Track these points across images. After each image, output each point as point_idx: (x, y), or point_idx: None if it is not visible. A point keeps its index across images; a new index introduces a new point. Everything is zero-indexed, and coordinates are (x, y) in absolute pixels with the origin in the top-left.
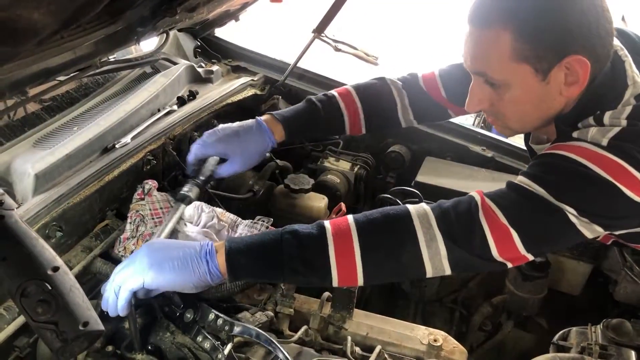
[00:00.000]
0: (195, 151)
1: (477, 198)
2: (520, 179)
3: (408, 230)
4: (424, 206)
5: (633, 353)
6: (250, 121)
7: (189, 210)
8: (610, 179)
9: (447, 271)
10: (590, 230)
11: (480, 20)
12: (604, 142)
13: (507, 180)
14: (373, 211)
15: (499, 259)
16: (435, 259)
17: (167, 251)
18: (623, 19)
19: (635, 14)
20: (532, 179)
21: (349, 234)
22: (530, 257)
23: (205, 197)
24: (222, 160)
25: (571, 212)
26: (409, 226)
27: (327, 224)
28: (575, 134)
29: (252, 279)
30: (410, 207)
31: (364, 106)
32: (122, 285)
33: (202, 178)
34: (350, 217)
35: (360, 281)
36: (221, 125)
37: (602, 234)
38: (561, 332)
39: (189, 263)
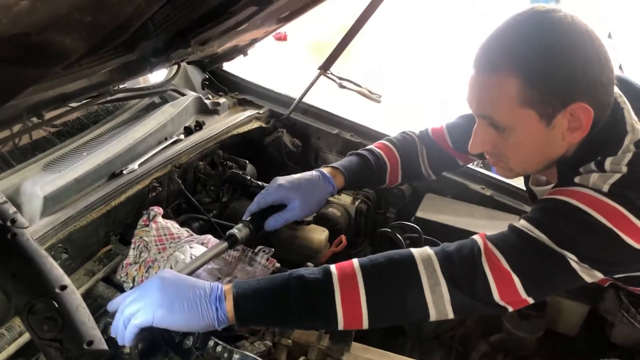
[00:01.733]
0: (257, 200)
1: (480, 242)
2: (522, 224)
3: (412, 275)
4: (427, 250)
5: None
6: (311, 171)
7: (199, 250)
8: (611, 226)
9: (450, 315)
10: (590, 276)
11: (487, 65)
12: (605, 188)
13: (510, 224)
14: (378, 255)
15: (501, 302)
16: (439, 303)
17: (178, 290)
18: (620, 67)
19: (631, 63)
20: (533, 224)
21: (354, 280)
22: (531, 301)
23: (207, 226)
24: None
25: (572, 259)
26: (413, 271)
27: (333, 269)
28: (577, 179)
29: (260, 324)
30: (414, 251)
31: (402, 160)
32: (131, 320)
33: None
34: (355, 262)
35: (365, 325)
36: (281, 176)
37: (602, 278)
38: None
39: (198, 307)
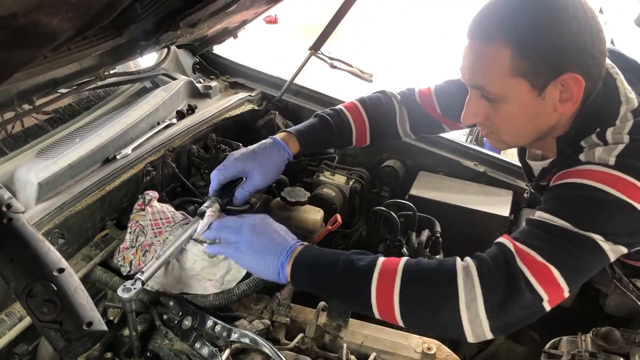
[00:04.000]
0: (216, 177)
1: (509, 245)
2: (541, 215)
3: (450, 287)
4: (469, 262)
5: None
6: (265, 140)
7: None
8: (624, 197)
9: (488, 335)
10: (615, 252)
11: (481, 35)
12: (612, 161)
13: (527, 218)
14: (427, 260)
15: (545, 304)
16: (475, 322)
17: (262, 238)
18: (612, 42)
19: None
20: (552, 213)
21: (393, 278)
22: (567, 294)
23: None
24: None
25: (598, 239)
26: (452, 283)
27: (380, 261)
28: (582, 157)
29: (310, 291)
30: (458, 260)
31: (369, 118)
32: (220, 230)
33: (223, 197)
34: (403, 260)
35: (400, 323)
36: (237, 150)
37: (624, 252)
38: (552, 341)
39: (269, 264)
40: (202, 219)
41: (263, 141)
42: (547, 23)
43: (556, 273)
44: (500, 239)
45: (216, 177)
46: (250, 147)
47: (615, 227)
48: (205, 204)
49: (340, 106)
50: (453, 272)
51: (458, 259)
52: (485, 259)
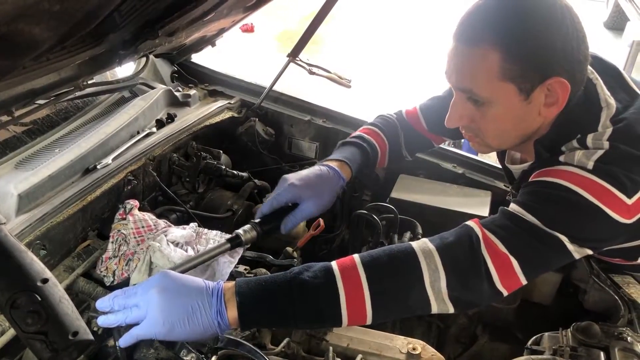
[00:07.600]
0: (269, 203)
1: (477, 230)
2: (514, 207)
3: (415, 272)
4: (428, 245)
5: (602, 353)
6: (318, 166)
7: (175, 234)
8: (597, 202)
9: (451, 309)
10: (580, 253)
11: (469, 37)
12: (590, 165)
13: (502, 208)
14: (379, 253)
15: (500, 288)
16: (439, 297)
17: (178, 306)
18: None
19: None
20: (524, 208)
21: (359, 283)
22: (524, 282)
23: (185, 217)
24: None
25: (564, 239)
26: (415, 268)
27: (335, 270)
28: (562, 158)
29: (263, 327)
30: (415, 246)
31: (388, 141)
32: (133, 330)
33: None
34: (358, 262)
35: (369, 322)
36: (290, 174)
37: (590, 254)
38: (534, 337)
39: (200, 324)
40: (231, 244)
41: (317, 167)
42: (537, 27)
43: (516, 265)
44: (469, 223)
45: (269, 203)
46: (304, 172)
47: (583, 230)
48: (243, 228)
49: (363, 134)
50: (414, 256)
51: (412, 243)
52: (447, 239)
